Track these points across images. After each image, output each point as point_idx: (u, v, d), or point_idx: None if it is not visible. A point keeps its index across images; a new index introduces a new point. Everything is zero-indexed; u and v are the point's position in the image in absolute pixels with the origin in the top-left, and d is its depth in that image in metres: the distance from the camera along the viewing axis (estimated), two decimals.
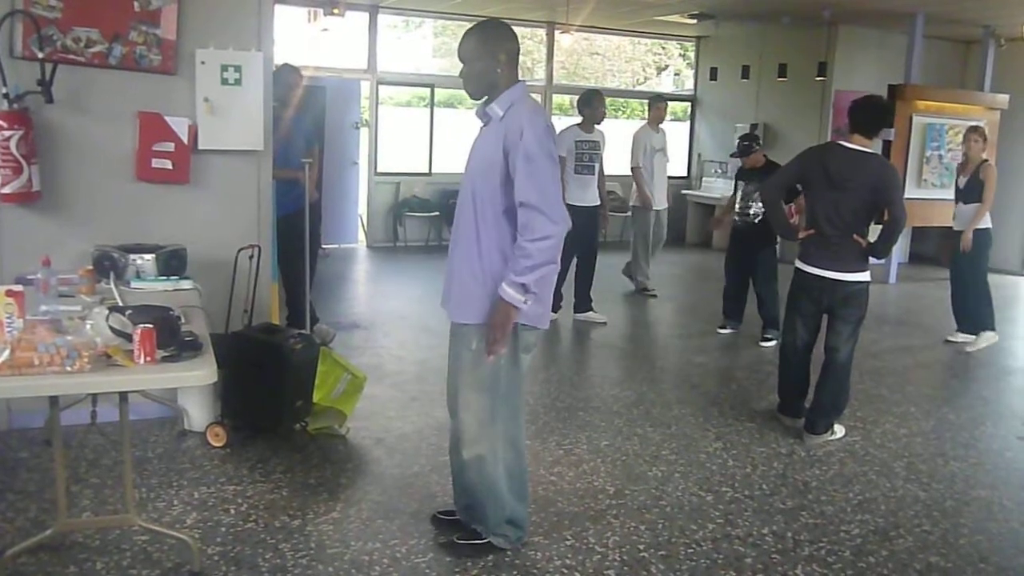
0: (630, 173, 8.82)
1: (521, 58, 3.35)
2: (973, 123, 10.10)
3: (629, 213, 9.30)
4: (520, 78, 3.29)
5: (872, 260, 4.82)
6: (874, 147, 4.80)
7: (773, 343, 6.81)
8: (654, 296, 8.88)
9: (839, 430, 5.00)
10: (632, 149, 8.74)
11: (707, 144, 13.39)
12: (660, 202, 8.86)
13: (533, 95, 3.56)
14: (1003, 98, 10.78)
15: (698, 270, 11.14)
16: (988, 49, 10.94)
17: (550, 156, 3.10)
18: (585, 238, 7.35)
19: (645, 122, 9.00)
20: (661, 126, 8.88)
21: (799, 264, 4.90)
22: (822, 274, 4.76)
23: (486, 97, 3.25)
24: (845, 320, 4.80)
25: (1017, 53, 11.14)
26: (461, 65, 3.26)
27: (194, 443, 4.45)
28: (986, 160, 7.23)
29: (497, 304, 3.10)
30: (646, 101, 14.19)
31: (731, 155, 8.21)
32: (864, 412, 5.47)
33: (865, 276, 4.77)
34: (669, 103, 8.96)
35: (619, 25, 12.84)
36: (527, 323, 3.23)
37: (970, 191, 7.19)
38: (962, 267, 7.34)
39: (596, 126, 7.38)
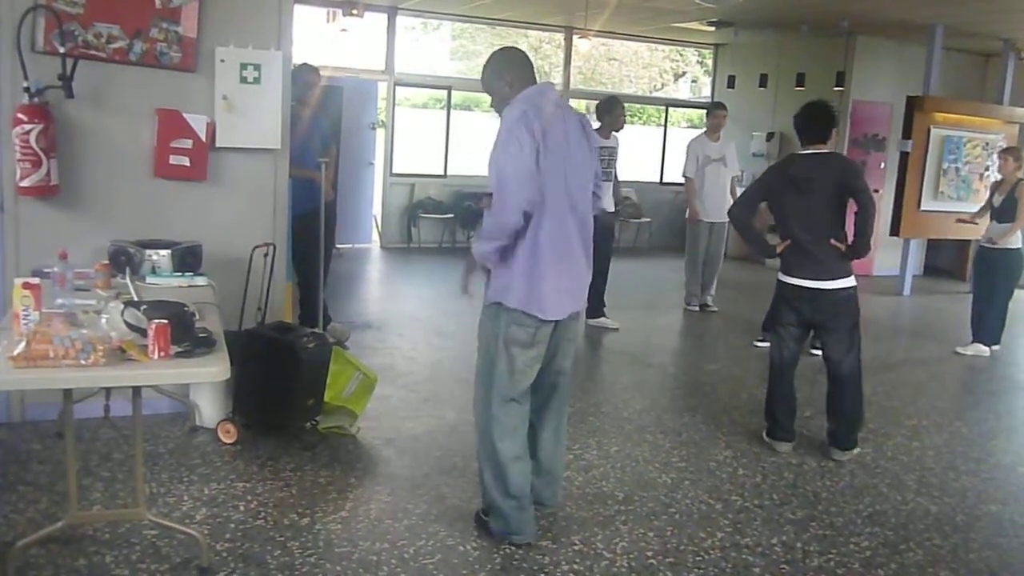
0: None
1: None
2: (997, 140, 10.15)
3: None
4: (535, 83, 3.55)
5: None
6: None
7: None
8: (704, 310, 8.65)
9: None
10: (685, 159, 8.57)
11: None
12: (714, 215, 8.47)
13: None
14: (1022, 112, 10.73)
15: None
16: (1008, 62, 10.89)
17: (519, 142, 3.25)
18: (600, 244, 7.32)
19: (703, 131, 8.70)
20: (721, 135, 8.52)
21: (782, 277, 4.79)
22: (807, 284, 4.66)
23: None
24: (839, 330, 4.71)
25: None
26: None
27: (205, 439, 4.47)
28: (1022, 179, 7.26)
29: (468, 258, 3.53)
30: (663, 107, 14.32)
31: None
32: (876, 424, 5.45)
33: (850, 282, 4.67)
34: (701, 109, 8.65)
35: (637, 31, 12.84)
36: (500, 301, 3.43)
37: (1005, 210, 7.27)
38: (992, 282, 7.35)
39: (614, 133, 7.36)
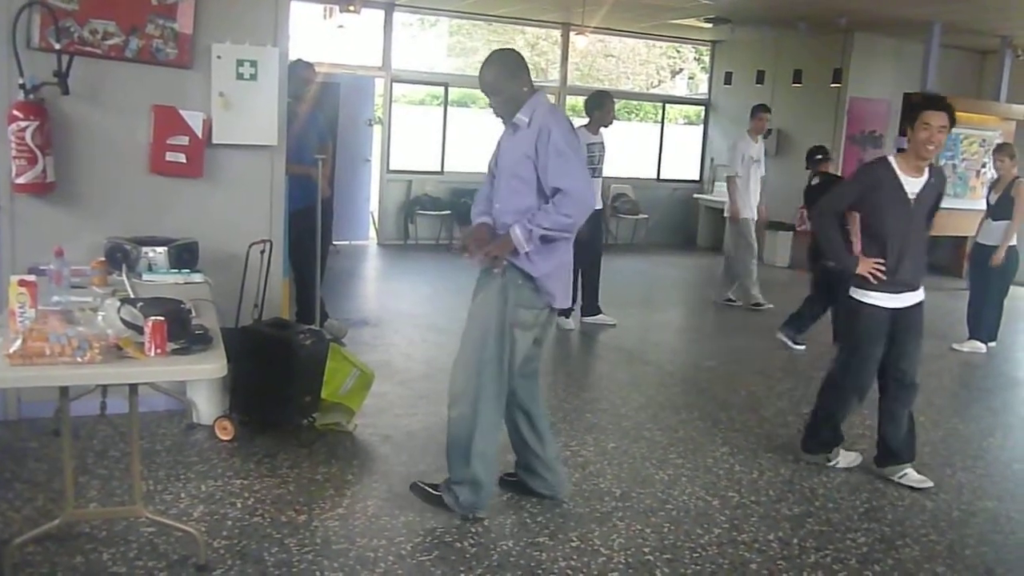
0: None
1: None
2: (994, 137, 10.14)
3: (726, 224, 8.88)
4: (536, 87, 3.67)
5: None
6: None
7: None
8: (770, 308, 8.53)
9: (842, 458, 4.65)
10: (730, 157, 8.58)
11: (720, 149, 13.33)
12: (752, 212, 8.61)
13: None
14: (1019, 109, 10.74)
15: (708, 273, 11.11)
16: (1005, 59, 10.90)
17: (577, 151, 3.56)
18: (591, 241, 7.31)
19: (746, 132, 8.75)
20: (760, 136, 8.66)
21: None
22: None
23: None
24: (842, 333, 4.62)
25: None
26: (487, 97, 3.66)
27: (202, 436, 4.47)
28: (1018, 177, 7.27)
29: (502, 236, 3.54)
30: (660, 104, 14.32)
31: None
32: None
33: (854, 292, 4.39)
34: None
35: (634, 28, 12.84)
36: (545, 287, 3.58)
37: (1000, 208, 7.29)
38: (987, 279, 7.37)
39: (602, 129, 7.32)
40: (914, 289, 4.39)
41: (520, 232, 3.46)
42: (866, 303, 4.37)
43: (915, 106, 4.34)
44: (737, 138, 8.77)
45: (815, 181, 7.38)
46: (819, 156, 7.59)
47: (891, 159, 4.42)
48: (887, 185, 4.32)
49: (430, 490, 3.81)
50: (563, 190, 3.42)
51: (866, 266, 4.32)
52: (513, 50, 3.78)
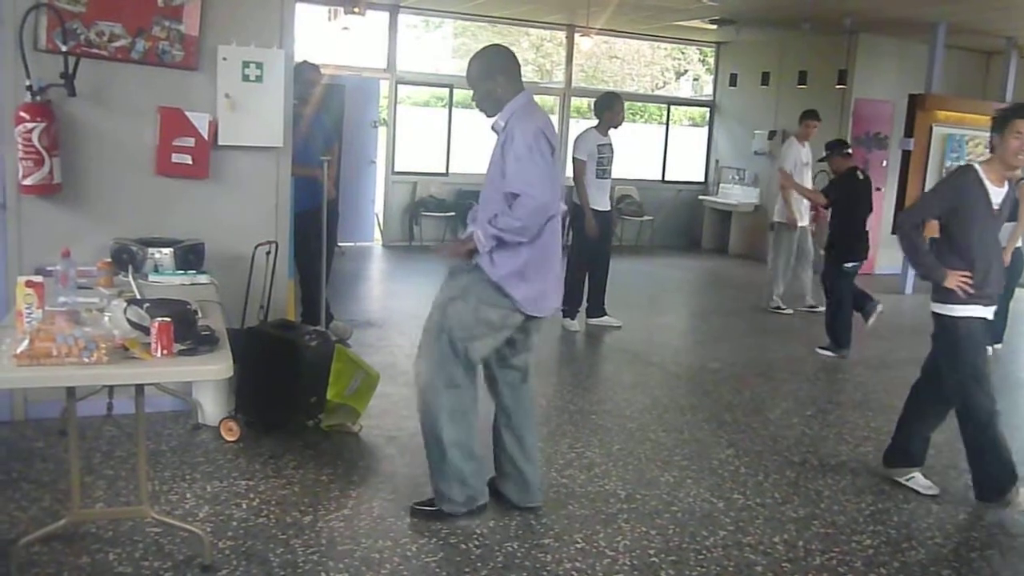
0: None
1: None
2: None
3: (771, 229, 8.78)
4: (523, 88, 3.66)
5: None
6: None
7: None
8: (789, 314, 8.56)
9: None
10: (783, 164, 8.55)
11: (725, 150, 13.35)
12: (804, 218, 8.62)
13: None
14: None
15: (713, 275, 11.13)
16: (1010, 60, 10.87)
17: (541, 155, 3.47)
18: (599, 243, 7.30)
19: (792, 137, 8.74)
20: (808, 141, 8.64)
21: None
22: None
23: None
24: (940, 358, 4.33)
25: None
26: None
27: (208, 437, 4.48)
28: (1022, 179, 7.23)
29: (466, 236, 3.63)
30: (665, 105, 14.32)
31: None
32: (878, 423, 5.45)
33: (944, 308, 4.18)
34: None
35: (639, 29, 12.83)
36: (505, 288, 3.52)
37: None
38: None
39: (612, 130, 7.32)
40: (995, 303, 4.27)
41: (481, 233, 3.50)
42: (964, 317, 4.16)
43: (1005, 114, 4.14)
44: (786, 146, 8.72)
45: (861, 176, 7.28)
46: (848, 150, 7.53)
47: (977, 167, 4.21)
48: (976, 194, 4.13)
49: (427, 508, 3.77)
50: (518, 194, 3.43)
51: (954, 279, 4.11)
52: (498, 48, 3.77)
